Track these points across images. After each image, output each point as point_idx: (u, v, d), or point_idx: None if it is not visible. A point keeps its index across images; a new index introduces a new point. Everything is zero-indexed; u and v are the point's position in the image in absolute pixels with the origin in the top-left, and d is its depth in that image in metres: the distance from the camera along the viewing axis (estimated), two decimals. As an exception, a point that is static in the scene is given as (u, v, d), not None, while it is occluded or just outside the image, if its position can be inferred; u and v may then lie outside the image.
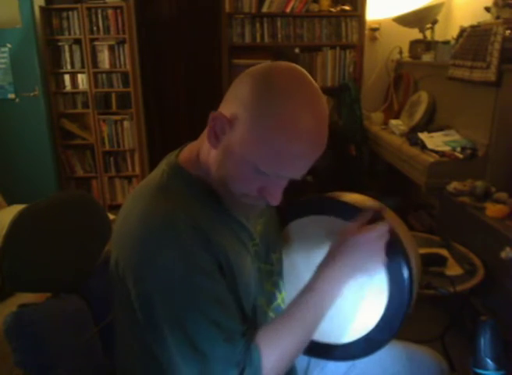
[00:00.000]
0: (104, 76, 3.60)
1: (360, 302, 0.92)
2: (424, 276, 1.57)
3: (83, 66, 3.56)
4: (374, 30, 3.60)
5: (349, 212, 0.91)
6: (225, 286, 0.78)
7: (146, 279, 0.75)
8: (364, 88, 3.63)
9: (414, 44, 3.30)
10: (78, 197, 1.21)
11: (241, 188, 0.79)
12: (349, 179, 3.55)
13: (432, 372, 1.06)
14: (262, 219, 0.96)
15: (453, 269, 1.76)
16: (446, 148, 2.42)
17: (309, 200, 1.00)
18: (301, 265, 1.01)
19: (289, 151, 0.73)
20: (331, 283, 0.83)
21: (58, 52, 3.55)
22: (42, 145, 3.60)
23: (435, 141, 2.53)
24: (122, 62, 3.59)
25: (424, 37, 3.23)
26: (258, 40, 3.52)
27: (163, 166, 0.87)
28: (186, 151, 0.88)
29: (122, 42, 3.55)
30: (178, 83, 4.16)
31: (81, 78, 3.60)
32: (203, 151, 0.84)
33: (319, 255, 0.92)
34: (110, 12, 3.48)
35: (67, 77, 3.60)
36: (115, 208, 3.74)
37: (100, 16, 3.48)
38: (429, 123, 2.88)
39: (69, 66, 3.58)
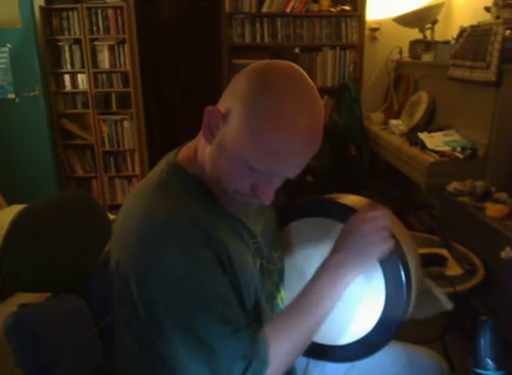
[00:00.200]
0: (104, 76, 3.60)
1: (359, 304, 0.92)
2: (424, 280, 1.56)
3: (83, 66, 3.56)
4: (374, 30, 3.60)
5: (348, 214, 0.91)
6: (226, 281, 0.78)
7: (149, 278, 0.75)
8: (364, 88, 3.63)
9: (414, 44, 3.30)
10: (78, 197, 1.21)
11: (234, 185, 0.79)
12: (349, 179, 3.55)
13: (432, 372, 1.06)
14: (262, 218, 0.96)
15: (453, 269, 1.76)
16: (446, 148, 2.42)
17: (308, 201, 1.00)
18: (301, 266, 1.01)
19: (282, 148, 0.73)
20: (337, 280, 0.81)
21: (58, 52, 3.55)
22: (42, 145, 3.60)
23: (435, 141, 2.53)
24: (122, 62, 3.59)
25: (424, 37, 3.23)
26: (258, 40, 3.52)
27: (162, 165, 0.87)
28: (185, 150, 0.89)
29: (122, 42, 3.55)
30: (178, 83, 4.16)
31: (81, 78, 3.60)
32: (199, 148, 0.84)
33: (318, 255, 0.92)
34: (110, 12, 3.48)
35: (67, 77, 3.60)
36: (115, 208, 3.74)
37: (100, 16, 3.48)
38: (429, 123, 2.88)
39: (69, 66, 3.58)
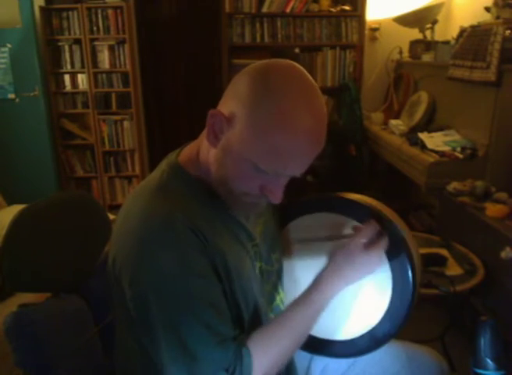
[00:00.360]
0: (104, 76, 3.60)
1: (365, 299, 0.92)
2: (424, 276, 1.57)
3: (83, 66, 3.56)
4: (374, 30, 3.60)
5: (350, 208, 0.92)
6: (220, 290, 0.78)
7: (141, 280, 0.75)
8: (364, 88, 3.63)
9: (414, 44, 3.30)
10: (78, 197, 1.21)
11: (242, 187, 0.79)
12: (349, 179, 3.55)
13: (431, 372, 1.06)
14: (262, 219, 0.96)
15: (453, 269, 1.76)
16: (446, 148, 2.42)
17: (309, 199, 1.00)
18: (299, 266, 1.01)
19: (288, 149, 0.73)
20: (326, 296, 0.85)
21: (58, 52, 3.55)
22: (42, 145, 3.60)
23: (435, 141, 2.53)
24: (122, 62, 3.59)
25: (424, 37, 3.23)
26: (258, 40, 3.52)
27: (163, 166, 0.87)
28: (186, 151, 0.88)
29: (122, 42, 3.55)
30: (178, 83, 4.16)
31: (81, 78, 3.60)
32: (202, 150, 0.84)
33: (317, 255, 0.92)
34: (110, 12, 3.48)
35: (67, 77, 3.60)
36: (115, 208, 3.74)
37: (100, 16, 3.48)
38: (429, 123, 2.87)
39: (69, 66, 3.58)
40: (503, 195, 2.05)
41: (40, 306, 1.02)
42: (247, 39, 3.51)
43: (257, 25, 3.49)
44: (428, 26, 3.19)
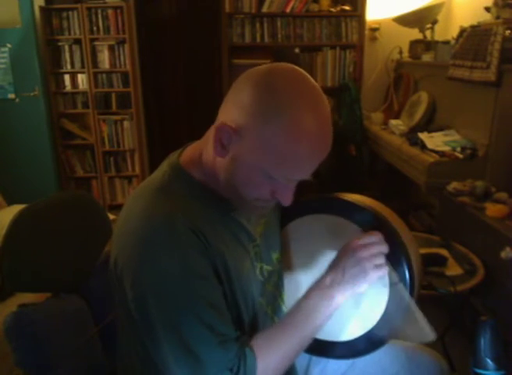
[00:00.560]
0: (104, 76, 3.60)
1: (362, 301, 0.92)
2: (424, 276, 1.57)
3: (83, 66, 3.56)
4: (374, 30, 3.60)
5: (350, 211, 0.91)
6: (221, 291, 0.79)
7: (143, 281, 0.75)
8: (364, 88, 3.63)
9: (414, 44, 3.30)
10: (78, 197, 1.21)
11: (253, 194, 0.80)
12: (349, 179, 3.55)
13: (431, 372, 1.06)
14: (263, 219, 0.96)
15: (453, 269, 1.76)
16: (446, 148, 2.42)
17: (309, 200, 1.00)
18: (299, 265, 1.01)
19: (298, 156, 0.74)
20: (329, 300, 0.83)
21: (58, 52, 3.55)
22: (42, 145, 3.60)
23: (435, 141, 2.53)
24: (122, 62, 3.59)
25: (424, 37, 3.23)
26: (258, 40, 3.52)
27: (165, 166, 0.87)
28: (189, 152, 0.88)
29: (122, 42, 3.55)
30: (178, 83, 4.16)
31: (81, 78, 3.60)
32: (207, 155, 0.83)
33: (317, 255, 0.92)
34: (110, 12, 3.48)
35: (67, 77, 3.60)
36: (115, 208, 3.74)
37: (100, 16, 3.48)
38: (429, 123, 2.87)
39: (69, 66, 3.58)
40: (503, 195, 2.05)
41: (40, 306, 1.02)
42: (247, 39, 3.51)
43: (257, 25, 3.49)
44: (428, 26, 3.19)
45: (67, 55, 3.55)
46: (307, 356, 1.07)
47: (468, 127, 2.50)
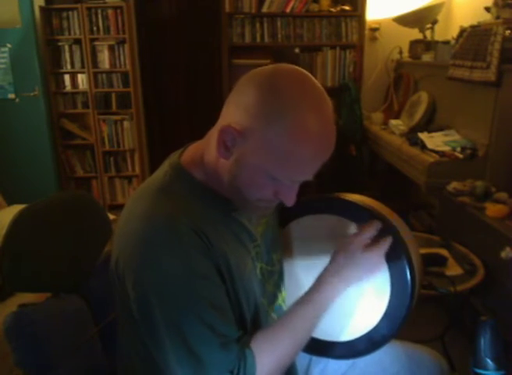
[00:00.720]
0: (104, 76, 3.60)
1: (363, 301, 0.92)
2: (424, 276, 1.57)
3: (83, 66, 3.56)
4: (374, 30, 3.60)
5: (351, 211, 0.92)
6: (223, 292, 0.79)
7: (145, 282, 0.75)
8: (364, 88, 3.63)
9: (414, 44, 3.30)
10: (78, 197, 1.21)
11: (256, 195, 0.80)
12: (349, 179, 3.55)
13: (431, 372, 1.06)
14: (264, 219, 0.96)
15: (453, 269, 1.76)
16: (446, 148, 2.42)
17: (309, 199, 1.00)
18: (300, 266, 1.01)
19: (303, 157, 0.74)
20: (328, 297, 0.85)
21: (58, 52, 3.55)
22: (42, 145, 3.60)
23: (435, 141, 2.53)
24: (122, 62, 3.59)
25: (424, 37, 3.23)
26: (258, 40, 3.52)
27: (166, 166, 0.86)
28: (190, 152, 0.88)
29: (122, 42, 3.55)
30: (178, 83, 4.16)
31: (81, 78, 3.60)
32: (209, 156, 0.83)
33: (317, 255, 0.92)
34: (110, 12, 3.48)
35: (67, 77, 3.60)
36: (115, 208, 3.74)
37: (100, 16, 3.48)
38: (429, 123, 2.87)
39: (69, 66, 3.58)
40: (503, 195, 2.05)
41: (40, 306, 1.02)
42: (247, 39, 3.51)
43: (257, 25, 3.49)
44: (428, 26, 3.19)
45: (67, 55, 3.55)
46: (307, 356, 1.07)
47: (468, 127, 2.50)
